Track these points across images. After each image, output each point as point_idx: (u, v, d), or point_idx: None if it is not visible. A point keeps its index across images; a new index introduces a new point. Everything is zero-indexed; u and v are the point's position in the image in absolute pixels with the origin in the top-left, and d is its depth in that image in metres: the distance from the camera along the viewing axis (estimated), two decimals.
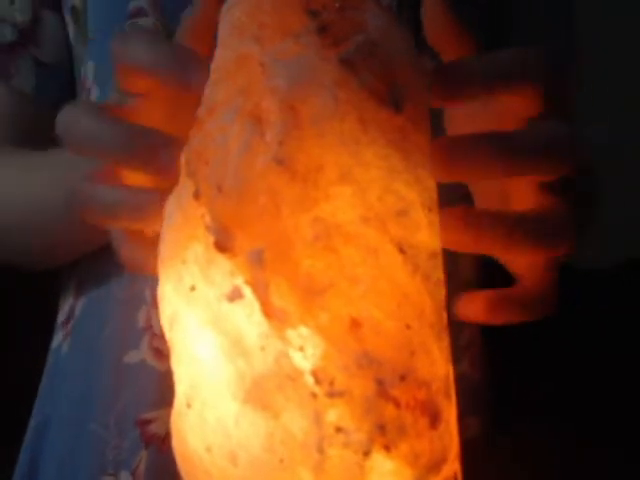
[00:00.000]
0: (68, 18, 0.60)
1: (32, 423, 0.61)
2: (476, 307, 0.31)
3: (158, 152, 0.30)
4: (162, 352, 0.53)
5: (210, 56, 0.34)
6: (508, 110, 0.32)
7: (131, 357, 0.54)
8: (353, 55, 0.28)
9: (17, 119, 0.61)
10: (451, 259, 0.29)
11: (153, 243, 0.32)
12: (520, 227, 0.29)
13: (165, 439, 0.53)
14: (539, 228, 0.30)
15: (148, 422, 0.54)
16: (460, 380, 0.28)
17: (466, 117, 0.34)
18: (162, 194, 0.30)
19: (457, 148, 0.29)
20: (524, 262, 0.32)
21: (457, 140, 0.30)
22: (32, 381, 0.62)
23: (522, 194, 0.32)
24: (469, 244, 0.29)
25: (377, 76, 0.28)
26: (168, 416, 0.50)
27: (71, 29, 0.60)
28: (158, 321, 0.47)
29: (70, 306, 0.60)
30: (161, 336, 0.53)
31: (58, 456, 0.58)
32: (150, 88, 0.34)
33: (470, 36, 0.33)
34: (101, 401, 0.55)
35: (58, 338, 0.61)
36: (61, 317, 0.61)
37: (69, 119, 0.33)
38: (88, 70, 0.59)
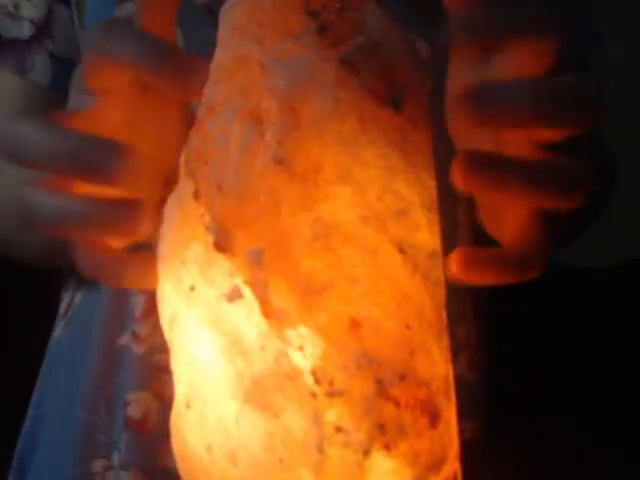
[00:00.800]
0: (73, 9, 0.60)
1: (29, 415, 0.62)
2: (454, 264, 0.29)
3: (108, 162, 0.29)
4: (139, 336, 0.54)
5: (173, 39, 0.33)
6: (520, 68, 0.31)
7: (122, 340, 0.55)
8: (353, 55, 0.28)
9: (35, 112, 0.61)
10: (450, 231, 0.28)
11: (115, 252, 0.31)
12: (539, 173, 0.29)
13: (141, 422, 0.54)
14: (559, 175, 0.29)
15: (127, 404, 0.55)
16: (457, 382, 0.28)
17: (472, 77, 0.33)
18: (105, 201, 0.29)
19: (486, 94, 0.29)
20: (507, 217, 0.31)
21: (486, 87, 0.29)
22: (33, 377, 0.63)
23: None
24: (479, 186, 0.28)
25: (377, 76, 0.28)
26: (144, 400, 0.49)
27: (75, 20, 0.60)
28: (139, 304, 0.47)
29: (70, 297, 0.61)
30: (140, 319, 0.54)
31: (49, 445, 0.59)
32: (120, 87, 0.32)
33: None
34: (90, 385, 0.56)
35: (58, 329, 0.62)
36: (62, 309, 0.62)
37: (19, 133, 0.31)
38: None
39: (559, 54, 0.30)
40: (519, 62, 0.31)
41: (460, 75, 0.33)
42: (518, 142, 0.31)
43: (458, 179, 0.28)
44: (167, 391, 0.53)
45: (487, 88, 0.29)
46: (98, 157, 0.29)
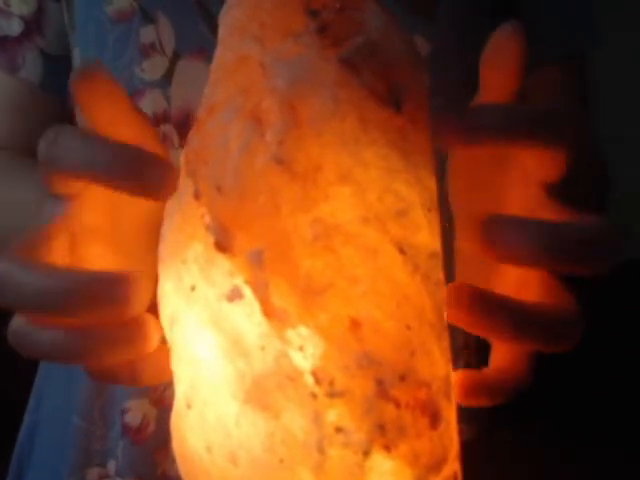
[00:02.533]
0: (63, 5, 0.60)
1: (26, 421, 0.62)
2: (462, 391, 0.30)
3: (147, 169, 0.27)
4: None
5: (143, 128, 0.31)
6: (523, 172, 0.31)
7: None
8: (353, 55, 0.28)
9: (26, 110, 0.61)
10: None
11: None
12: (528, 323, 0.28)
13: (139, 430, 0.53)
14: (548, 326, 0.28)
15: (125, 411, 0.54)
16: None
17: (475, 180, 0.33)
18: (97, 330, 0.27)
19: (503, 232, 0.27)
20: (510, 349, 0.31)
21: (501, 223, 0.28)
22: (30, 381, 0.63)
23: (532, 280, 0.31)
24: (470, 325, 0.28)
25: (377, 76, 0.28)
26: (141, 407, 0.48)
27: (65, 16, 0.60)
28: None
29: None
30: None
31: (45, 452, 0.59)
32: (85, 187, 0.30)
33: (518, 87, 0.31)
34: (85, 393, 0.56)
35: None
36: None
37: (52, 140, 0.29)
38: (74, 58, 0.59)
39: (568, 161, 0.29)
40: (517, 167, 0.31)
41: (466, 180, 0.33)
42: (519, 184, 0.31)
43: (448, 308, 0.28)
44: (165, 398, 0.53)
45: (499, 224, 0.28)
46: (97, 295, 0.27)
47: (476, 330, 0.28)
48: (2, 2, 0.59)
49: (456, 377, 0.30)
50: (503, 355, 0.31)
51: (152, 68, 0.53)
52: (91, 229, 0.31)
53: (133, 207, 0.33)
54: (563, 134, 0.29)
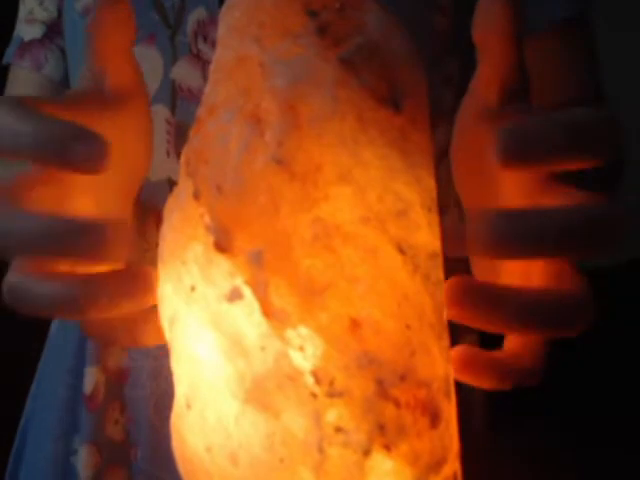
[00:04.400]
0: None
1: (27, 408, 0.64)
2: (459, 364, 0.29)
3: (71, 145, 0.27)
4: None
5: (138, 79, 0.33)
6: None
7: None
8: (353, 55, 0.28)
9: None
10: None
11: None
12: (532, 311, 0.27)
13: (91, 398, 0.55)
14: (554, 312, 0.27)
15: (83, 378, 0.56)
16: (457, 383, 0.28)
17: (476, 165, 0.32)
18: (96, 279, 0.28)
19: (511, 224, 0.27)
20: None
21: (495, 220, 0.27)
22: (30, 377, 0.64)
23: (538, 265, 0.30)
24: (473, 320, 0.27)
25: (377, 76, 0.28)
26: (93, 374, 0.51)
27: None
28: None
29: None
30: None
31: (39, 422, 0.60)
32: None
33: (517, 45, 0.30)
34: (71, 363, 0.58)
35: (55, 325, 0.63)
36: None
37: None
38: (67, 53, 0.63)
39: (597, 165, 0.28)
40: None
41: (468, 165, 0.32)
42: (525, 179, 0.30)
43: (448, 306, 0.27)
44: (109, 366, 0.55)
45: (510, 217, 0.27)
46: (78, 239, 0.27)
47: (479, 325, 0.28)
48: (28, 12, 0.65)
49: (456, 350, 0.29)
50: (516, 345, 0.30)
51: None
52: (76, 183, 0.31)
53: (115, 169, 0.32)
54: (594, 149, 0.28)
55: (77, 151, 0.27)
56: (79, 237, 0.27)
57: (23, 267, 0.29)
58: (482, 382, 0.29)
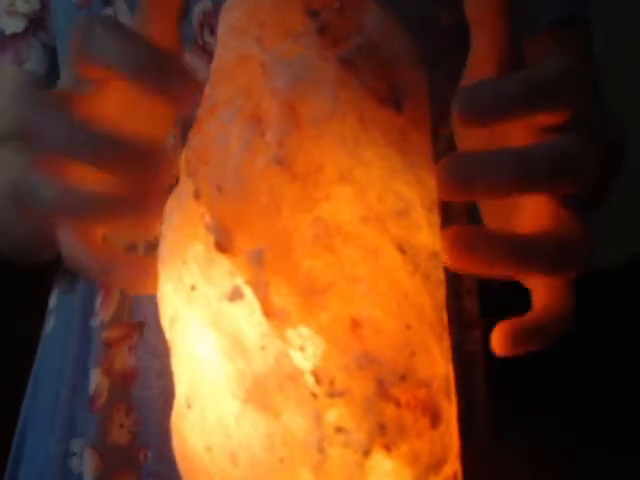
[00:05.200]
0: None
1: (24, 405, 0.63)
2: (504, 342, 0.29)
3: (126, 156, 0.29)
4: (94, 310, 0.54)
5: (178, 44, 0.33)
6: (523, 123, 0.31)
7: (91, 321, 0.56)
8: (353, 55, 0.28)
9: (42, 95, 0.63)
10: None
11: (110, 252, 0.31)
12: (533, 251, 0.28)
13: (93, 400, 0.54)
14: (553, 251, 0.28)
15: (87, 380, 0.55)
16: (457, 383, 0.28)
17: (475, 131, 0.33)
18: (115, 192, 0.29)
19: (469, 167, 0.28)
20: (540, 282, 0.31)
21: (468, 159, 0.29)
22: (26, 376, 0.64)
23: (533, 207, 0.31)
24: (472, 265, 0.28)
25: (377, 76, 0.28)
26: (95, 377, 0.50)
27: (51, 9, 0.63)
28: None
29: (58, 293, 0.62)
30: (98, 294, 0.53)
31: (39, 425, 0.60)
32: (109, 78, 0.32)
33: (508, 19, 0.31)
34: (72, 366, 0.57)
35: (48, 325, 0.62)
36: (51, 305, 0.63)
37: (33, 118, 0.31)
38: (57, 47, 0.62)
39: (572, 114, 0.29)
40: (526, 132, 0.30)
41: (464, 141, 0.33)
42: (515, 130, 0.31)
43: (447, 257, 0.28)
44: (113, 369, 0.54)
45: (467, 162, 0.28)
46: (116, 150, 0.29)
47: (479, 270, 0.28)
48: (8, 4, 0.63)
49: (498, 328, 0.29)
50: (543, 296, 0.31)
51: None
52: (104, 115, 0.32)
53: (142, 109, 0.33)
54: (561, 98, 0.29)
55: (175, 84, 0.29)
56: (126, 149, 0.29)
57: (37, 166, 0.31)
58: (527, 349, 0.29)
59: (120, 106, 0.33)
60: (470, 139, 0.33)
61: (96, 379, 0.55)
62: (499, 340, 0.29)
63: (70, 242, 0.31)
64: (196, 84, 0.29)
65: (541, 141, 0.30)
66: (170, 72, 0.29)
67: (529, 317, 0.30)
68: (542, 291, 0.31)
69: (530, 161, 0.28)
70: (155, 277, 0.29)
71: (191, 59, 0.52)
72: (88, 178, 0.31)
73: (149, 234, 0.30)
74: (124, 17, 0.54)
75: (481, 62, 0.32)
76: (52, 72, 0.63)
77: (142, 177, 0.30)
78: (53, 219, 0.31)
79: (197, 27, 0.52)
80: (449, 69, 0.54)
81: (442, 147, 0.49)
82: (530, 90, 0.29)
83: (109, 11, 0.55)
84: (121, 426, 0.54)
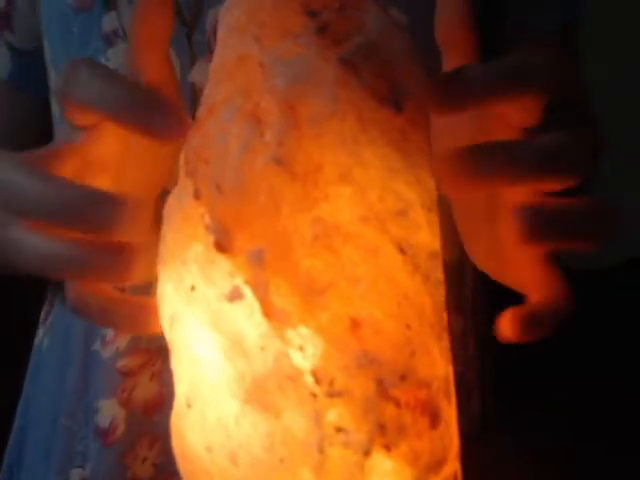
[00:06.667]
0: None
1: (15, 425, 0.61)
2: (515, 328, 0.29)
3: (103, 215, 0.29)
4: (105, 338, 0.52)
5: (169, 75, 0.33)
6: (501, 119, 0.31)
7: (95, 345, 0.53)
8: (353, 55, 0.28)
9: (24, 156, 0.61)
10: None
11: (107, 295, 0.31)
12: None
13: (108, 432, 0.52)
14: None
15: (96, 411, 0.53)
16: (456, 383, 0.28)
17: (451, 125, 0.33)
18: (94, 246, 0.29)
19: (462, 161, 0.28)
20: (538, 275, 0.31)
21: (460, 154, 0.29)
22: (18, 385, 0.62)
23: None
24: (472, 181, 0.28)
25: (377, 76, 0.28)
26: (110, 408, 0.48)
27: (37, 9, 0.58)
28: None
29: (50, 303, 0.60)
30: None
31: (35, 453, 0.58)
32: (102, 121, 0.32)
33: (477, 38, 0.32)
34: (71, 392, 0.55)
35: (39, 335, 0.60)
36: (43, 315, 0.61)
37: (10, 181, 0.31)
38: (45, 49, 0.58)
39: (545, 104, 0.30)
40: (495, 115, 0.31)
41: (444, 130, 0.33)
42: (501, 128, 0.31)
43: (446, 185, 0.28)
44: (133, 399, 0.52)
45: (459, 157, 0.29)
46: (93, 210, 0.29)
47: (480, 185, 0.28)
48: None
49: (507, 316, 0.30)
50: (540, 287, 0.31)
51: (116, 56, 0.52)
52: (100, 162, 0.32)
53: (142, 150, 0.33)
54: (531, 81, 0.29)
55: (161, 121, 0.29)
56: (95, 207, 0.29)
57: (27, 225, 0.31)
58: (534, 337, 0.30)
59: (121, 148, 0.33)
60: (455, 140, 0.33)
61: (110, 411, 0.52)
62: (510, 326, 0.29)
63: (68, 289, 0.31)
64: (182, 118, 0.29)
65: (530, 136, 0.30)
66: (152, 109, 0.29)
67: (535, 305, 0.31)
68: (539, 285, 0.31)
69: (538, 148, 0.29)
70: (157, 316, 0.29)
71: (205, 64, 0.51)
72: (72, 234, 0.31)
73: (136, 282, 0.30)
74: (127, 20, 0.52)
75: None
76: (17, 75, 0.60)
77: (117, 235, 0.29)
78: (47, 275, 0.31)
79: (210, 33, 0.50)
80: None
81: None
82: (510, 73, 0.29)
83: (112, 16, 0.53)
84: (144, 460, 0.51)
